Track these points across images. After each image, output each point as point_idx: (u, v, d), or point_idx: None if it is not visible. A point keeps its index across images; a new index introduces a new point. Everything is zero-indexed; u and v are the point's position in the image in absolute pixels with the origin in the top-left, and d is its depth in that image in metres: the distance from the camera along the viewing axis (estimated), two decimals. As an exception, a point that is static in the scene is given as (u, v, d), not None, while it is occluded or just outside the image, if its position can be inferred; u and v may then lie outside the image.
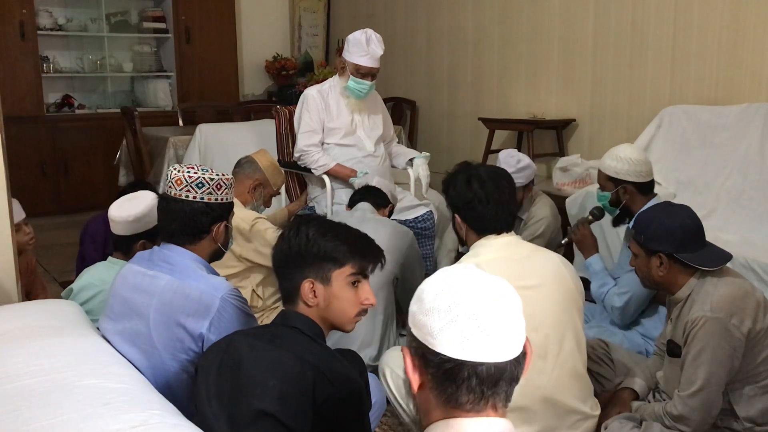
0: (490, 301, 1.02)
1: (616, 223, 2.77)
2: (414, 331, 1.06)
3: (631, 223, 2.64)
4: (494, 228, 2.02)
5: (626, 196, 2.65)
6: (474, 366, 1.00)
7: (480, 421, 1.02)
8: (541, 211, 3.17)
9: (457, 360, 1.01)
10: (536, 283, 1.95)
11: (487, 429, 1.02)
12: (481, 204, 2.00)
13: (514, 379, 1.04)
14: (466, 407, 1.02)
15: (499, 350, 1.01)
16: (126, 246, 2.36)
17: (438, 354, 1.02)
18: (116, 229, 2.36)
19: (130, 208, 2.34)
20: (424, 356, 1.04)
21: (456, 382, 1.02)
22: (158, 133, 4.80)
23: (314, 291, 1.59)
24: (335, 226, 1.66)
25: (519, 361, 1.03)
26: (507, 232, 2.03)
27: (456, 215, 2.09)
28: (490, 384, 1.01)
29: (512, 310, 1.04)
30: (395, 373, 2.31)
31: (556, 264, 2.02)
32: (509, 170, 2.98)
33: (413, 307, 1.08)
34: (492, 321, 1.01)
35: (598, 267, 2.72)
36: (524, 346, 1.06)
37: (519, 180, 2.95)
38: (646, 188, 2.66)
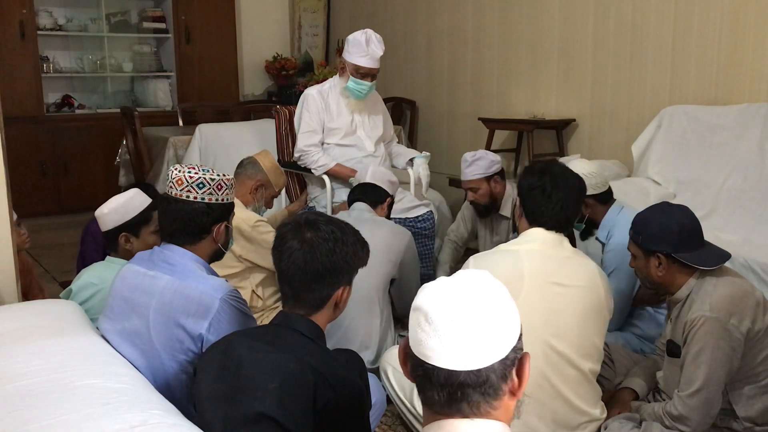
0: (461, 309, 1.00)
1: (583, 236, 2.79)
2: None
3: (598, 234, 2.67)
4: (545, 222, 2.04)
5: (588, 210, 2.68)
6: (428, 368, 1.02)
7: (475, 423, 1.02)
8: None
9: (417, 358, 1.03)
10: (568, 283, 1.97)
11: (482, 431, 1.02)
12: (543, 195, 2.03)
13: (479, 392, 1.01)
14: (435, 408, 1.04)
15: (452, 358, 1.00)
16: (112, 241, 2.40)
17: (410, 348, 1.06)
18: (102, 226, 2.41)
19: (109, 202, 2.39)
20: (406, 349, 1.08)
21: (416, 379, 1.05)
22: (158, 133, 4.79)
23: (343, 295, 1.63)
24: (355, 230, 1.68)
25: (483, 375, 1.00)
26: (556, 232, 2.05)
27: (518, 198, 2.13)
28: (444, 389, 1.01)
29: (482, 325, 1.00)
30: (397, 371, 2.32)
31: (593, 273, 2.03)
32: (463, 165, 3.25)
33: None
34: (451, 328, 1.00)
35: None
36: (522, 366, 1.05)
37: (476, 171, 3.23)
38: (604, 198, 2.69)
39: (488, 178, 3.26)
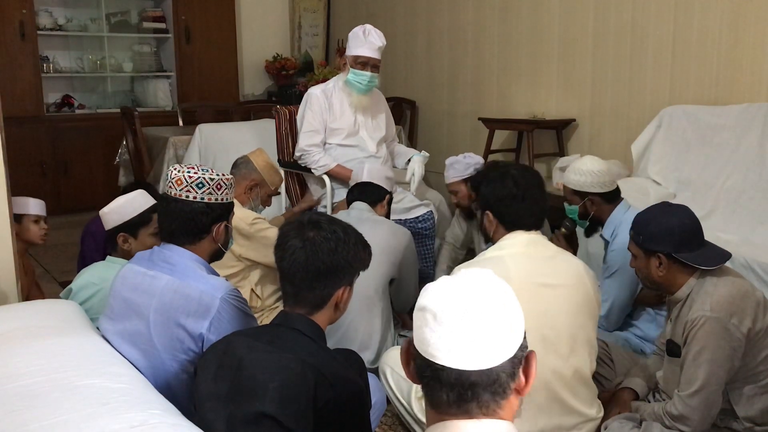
0: (471, 308, 1.00)
1: (588, 234, 2.79)
2: None
3: (603, 232, 2.67)
4: (526, 224, 2.03)
5: (594, 208, 2.68)
6: (437, 368, 1.01)
7: (481, 423, 1.02)
8: None
9: (425, 359, 1.02)
10: (555, 283, 1.96)
11: (488, 431, 1.02)
12: (516, 200, 2.01)
13: (489, 391, 1.01)
14: (442, 408, 1.03)
15: (463, 358, 0.99)
16: (112, 241, 2.42)
17: (416, 348, 1.04)
18: (104, 225, 2.45)
19: (112, 202, 2.42)
20: (411, 349, 1.07)
21: (423, 380, 1.04)
22: (158, 133, 4.79)
23: (344, 296, 1.63)
24: (357, 232, 1.68)
25: (493, 375, 1.00)
26: (536, 230, 2.04)
27: (487, 212, 2.08)
28: (454, 389, 1.01)
29: (492, 323, 1.00)
30: (396, 372, 2.32)
31: (578, 269, 2.03)
32: (445, 169, 3.38)
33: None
34: (461, 328, 0.99)
35: None
36: (529, 364, 1.05)
37: (453, 174, 3.38)
38: (612, 196, 2.69)
39: (466, 181, 3.30)
